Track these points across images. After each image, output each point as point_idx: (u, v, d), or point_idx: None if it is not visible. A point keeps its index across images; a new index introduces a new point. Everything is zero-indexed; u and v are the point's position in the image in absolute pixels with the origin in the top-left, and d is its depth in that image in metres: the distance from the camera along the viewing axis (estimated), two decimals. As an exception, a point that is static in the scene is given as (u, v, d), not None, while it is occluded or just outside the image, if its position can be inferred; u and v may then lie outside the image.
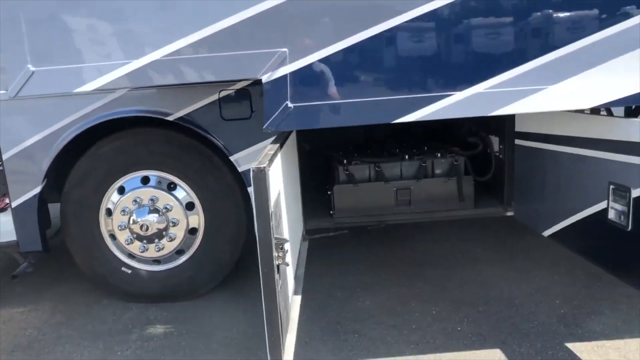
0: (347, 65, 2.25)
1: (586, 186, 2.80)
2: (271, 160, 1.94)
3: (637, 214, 2.37)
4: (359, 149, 4.12)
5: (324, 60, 2.22)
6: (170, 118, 3.03)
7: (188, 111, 3.02)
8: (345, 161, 3.75)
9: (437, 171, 3.77)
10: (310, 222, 3.67)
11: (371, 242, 4.32)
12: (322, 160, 4.09)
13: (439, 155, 3.79)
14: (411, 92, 2.24)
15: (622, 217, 2.48)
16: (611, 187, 2.53)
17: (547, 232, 3.29)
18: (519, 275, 3.65)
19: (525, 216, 3.63)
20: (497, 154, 3.77)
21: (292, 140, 3.25)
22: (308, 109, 2.26)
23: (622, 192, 2.45)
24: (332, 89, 2.26)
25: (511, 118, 3.56)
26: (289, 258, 2.17)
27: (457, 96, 2.26)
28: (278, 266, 1.90)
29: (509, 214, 3.76)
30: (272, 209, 1.85)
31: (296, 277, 2.89)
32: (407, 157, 3.79)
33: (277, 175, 2.20)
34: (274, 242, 1.84)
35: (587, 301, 3.27)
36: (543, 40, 2.25)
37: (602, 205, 2.64)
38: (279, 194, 2.23)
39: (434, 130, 4.52)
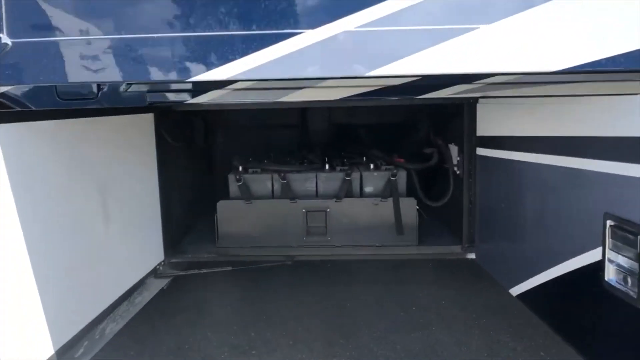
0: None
1: (571, 220, 1.68)
2: None
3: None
4: (269, 154, 3.05)
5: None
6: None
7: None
8: (240, 168, 2.68)
9: (368, 189, 2.64)
10: (180, 253, 2.58)
11: (261, 288, 2.78)
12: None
13: (371, 167, 2.68)
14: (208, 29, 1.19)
15: (629, 279, 1.35)
16: (608, 223, 1.40)
17: (514, 290, 2.14)
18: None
19: (490, 262, 2.47)
20: (456, 169, 2.65)
21: (141, 126, 2.21)
22: (40, 48, 1.24)
23: (628, 232, 1.34)
24: (78, 17, 1.23)
25: (471, 116, 2.46)
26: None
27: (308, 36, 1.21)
28: None
29: (470, 256, 2.61)
30: None
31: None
32: (327, 166, 2.70)
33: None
34: None
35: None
36: None
37: (594, 255, 1.52)
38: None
39: (382, 135, 3.43)
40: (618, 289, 1.38)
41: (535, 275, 2.00)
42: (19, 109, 1.50)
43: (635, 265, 1.34)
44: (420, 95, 1.81)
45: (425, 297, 2.71)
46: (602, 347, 1.56)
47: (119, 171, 1.99)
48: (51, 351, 1.52)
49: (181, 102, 1.98)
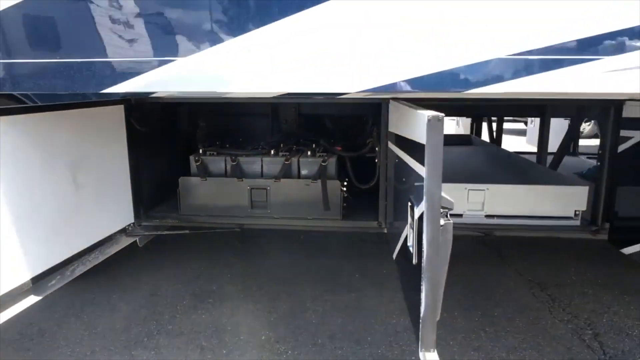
0: (56, 11, 1.77)
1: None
2: None
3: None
4: (225, 138, 3.65)
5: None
6: None
7: None
8: (200, 150, 3.26)
9: (304, 172, 3.16)
10: (148, 218, 3.20)
11: (214, 249, 3.78)
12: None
13: (308, 153, 3.19)
14: (126, 55, 1.72)
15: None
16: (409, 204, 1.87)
17: (394, 255, 2.63)
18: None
19: (395, 235, 2.96)
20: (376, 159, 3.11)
21: (113, 116, 2.83)
22: (11, 67, 1.82)
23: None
24: (39, 41, 1.80)
25: (386, 113, 2.90)
26: None
27: (183, 63, 1.72)
28: None
29: (384, 230, 3.09)
30: None
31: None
32: (271, 152, 3.23)
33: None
34: None
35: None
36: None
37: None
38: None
39: (341, 126, 3.90)
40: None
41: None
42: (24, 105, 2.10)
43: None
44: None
45: (342, 263, 3.39)
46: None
47: (90, 151, 2.62)
48: (28, 277, 2.18)
49: (140, 95, 2.54)
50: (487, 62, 1.62)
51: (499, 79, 1.64)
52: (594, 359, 2.64)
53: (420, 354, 1.67)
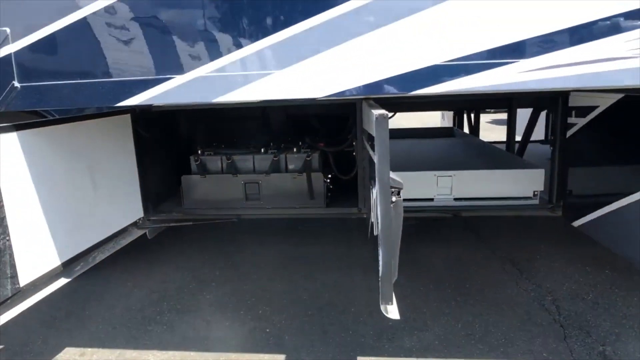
0: (71, 45, 2.18)
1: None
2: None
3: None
4: (222, 140, 4.03)
5: (48, 39, 2.17)
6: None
7: None
8: (199, 151, 3.66)
9: (290, 166, 3.56)
10: (156, 213, 3.60)
11: (215, 237, 4.43)
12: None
13: (294, 150, 3.58)
14: (132, 75, 2.12)
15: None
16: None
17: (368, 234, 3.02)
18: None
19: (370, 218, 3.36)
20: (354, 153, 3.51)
21: (121, 124, 3.23)
22: (37, 89, 2.22)
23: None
24: (59, 69, 2.20)
25: (360, 112, 3.28)
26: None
27: (178, 79, 2.11)
28: None
29: (365, 215, 3.48)
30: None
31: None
32: (262, 150, 3.62)
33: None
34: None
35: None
36: (260, 25, 2.04)
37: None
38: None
39: (328, 125, 4.29)
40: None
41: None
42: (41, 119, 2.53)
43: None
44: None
45: (329, 246, 3.88)
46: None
47: (104, 156, 3.02)
48: (58, 262, 2.59)
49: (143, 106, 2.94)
50: (424, 69, 2.01)
51: (435, 81, 2.03)
52: (549, 319, 3.04)
53: (382, 307, 2.06)
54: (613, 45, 1.87)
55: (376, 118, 1.91)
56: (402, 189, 2.05)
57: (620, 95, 2.57)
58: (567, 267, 3.69)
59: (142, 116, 3.36)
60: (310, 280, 3.62)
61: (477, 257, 3.98)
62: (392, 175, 2.00)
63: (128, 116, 3.26)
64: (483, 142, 5.10)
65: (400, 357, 2.67)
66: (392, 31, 2.02)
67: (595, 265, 3.69)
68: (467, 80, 1.95)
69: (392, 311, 2.08)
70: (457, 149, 4.78)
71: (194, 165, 3.60)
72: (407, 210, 3.65)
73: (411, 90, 2.05)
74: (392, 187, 1.99)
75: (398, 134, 5.76)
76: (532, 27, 1.97)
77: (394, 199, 2.02)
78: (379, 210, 1.97)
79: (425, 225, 4.57)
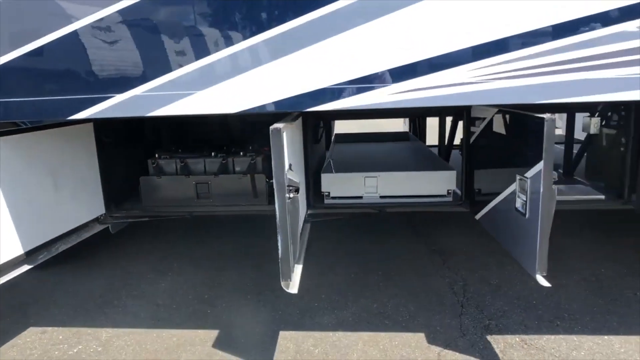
0: (29, 68, 2.62)
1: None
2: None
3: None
4: (180, 145, 4.50)
5: (11, 62, 2.62)
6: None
7: None
8: (157, 155, 4.12)
9: (237, 168, 4.03)
10: (117, 210, 4.05)
11: (169, 231, 5.00)
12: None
13: (241, 154, 4.06)
14: (78, 92, 2.58)
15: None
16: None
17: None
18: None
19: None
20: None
21: (85, 131, 3.69)
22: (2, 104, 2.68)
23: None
24: (18, 87, 2.65)
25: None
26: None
27: (118, 98, 2.57)
28: None
29: (309, 211, 3.96)
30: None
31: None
32: (212, 154, 4.09)
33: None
34: None
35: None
36: (193, 48, 2.51)
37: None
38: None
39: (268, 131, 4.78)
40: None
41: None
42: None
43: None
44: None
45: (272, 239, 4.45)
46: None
47: (67, 160, 3.47)
48: (22, 251, 3.03)
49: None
50: (328, 88, 2.50)
51: (340, 97, 2.51)
52: (453, 300, 3.52)
53: (282, 284, 2.52)
54: (459, 73, 2.36)
55: (271, 131, 2.38)
56: (298, 187, 2.53)
57: (495, 110, 3.07)
58: (486, 257, 4.18)
59: (104, 124, 3.82)
60: (256, 270, 4.09)
61: (410, 249, 4.46)
62: (290, 176, 2.48)
63: (91, 124, 3.71)
64: (424, 146, 5.60)
65: (315, 330, 3.15)
66: (286, 62, 2.51)
67: (510, 256, 4.20)
68: (348, 100, 2.44)
69: (292, 287, 2.55)
70: (400, 152, 5.27)
71: (151, 167, 4.06)
72: (339, 206, 4.17)
73: (305, 108, 2.53)
74: (289, 186, 2.47)
75: (355, 138, 6.26)
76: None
77: (291, 195, 2.50)
78: (276, 205, 2.44)
79: (370, 221, 5.06)
